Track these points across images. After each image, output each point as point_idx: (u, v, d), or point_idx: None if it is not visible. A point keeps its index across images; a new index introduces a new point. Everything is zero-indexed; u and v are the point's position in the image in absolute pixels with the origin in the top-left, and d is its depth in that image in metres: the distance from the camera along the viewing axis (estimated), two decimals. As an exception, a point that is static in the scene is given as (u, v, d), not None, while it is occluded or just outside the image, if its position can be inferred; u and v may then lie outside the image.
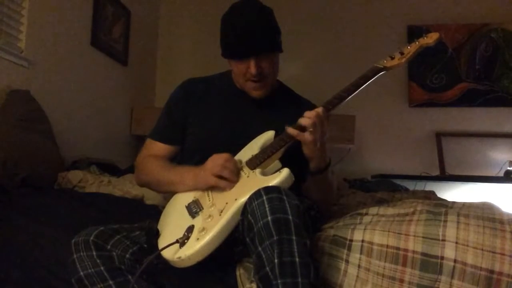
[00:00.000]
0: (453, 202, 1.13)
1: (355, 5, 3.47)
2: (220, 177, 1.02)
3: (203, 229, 0.93)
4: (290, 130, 1.05)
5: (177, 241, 0.93)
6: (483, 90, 3.21)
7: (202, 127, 1.23)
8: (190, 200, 1.06)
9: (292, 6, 3.43)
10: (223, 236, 0.92)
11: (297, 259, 0.79)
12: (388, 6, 3.41)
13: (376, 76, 1.13)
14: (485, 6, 3.26)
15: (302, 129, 1.04)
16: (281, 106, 1.27)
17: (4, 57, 1.98)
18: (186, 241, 0.93)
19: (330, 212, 1.28)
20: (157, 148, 1.27)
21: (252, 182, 0.99)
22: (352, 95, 1.10)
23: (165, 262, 0.96)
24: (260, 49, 1.14)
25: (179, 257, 0.91)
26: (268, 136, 1.14)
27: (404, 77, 3.34)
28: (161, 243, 0.99)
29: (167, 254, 0.94)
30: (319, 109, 1.05)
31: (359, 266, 0.94)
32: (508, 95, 3.17)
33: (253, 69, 1.14)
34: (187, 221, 0.99)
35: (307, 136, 1.03)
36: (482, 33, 3.25)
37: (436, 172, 3.11)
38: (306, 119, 1.03)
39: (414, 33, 3.21)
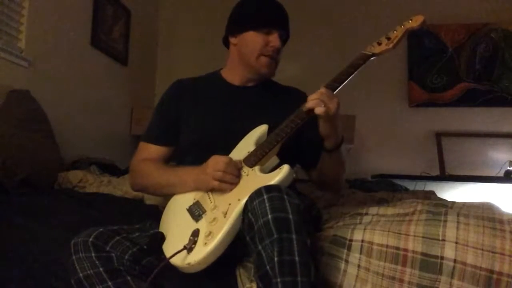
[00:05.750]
0: (453, 202, 1.13)
1: (354, 5, 3.47)
2: (222, 181, 1.01)
3: (210, 233, 0.92)
4: (310, 104, 1.03)
5: (184, 248, 0.92)
6: (483, 90, 3.20)
7: (196, 124, 1.22)
8: (191, 203, 1.04)
9: (292, 6, 3.42)
10: (230, 238, 0.92)
11: (297, 258, 0.78)
12: (388, 6, 3.41)
13: (365, 63, 1.13)
14: (485, 6, 3.25)
15: (310, 112, 1.04)
16: (272, 98, 1.27)
17: (4, 57, 1.98)
18: (193, 246, 0.92)
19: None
20: (151, 150, 1.25)
21: (253, 181, 0.98)
22: (343, 84, 1.09)
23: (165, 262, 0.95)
24: (286, 24, 1.23)
25: (189, 263, 0.90)
26: (261, 130, 1.12)
27: (404, 77, 3.34)
28: (166, 248, 0.98)
29: (176, 261, 0.93)
30: (322, 89, 1.06)
31: (358, 266, 0.94)
32: (508, 95, 3.17)
33: (277, 42, 1.19)
34: (191, 224, 0.98)
35: (328, 109, 1.02)
36: (482, 33, 3.24)
37: (436, 172, 3.10)
38: (313, 99, 1.03)
39: (414, 32, 3.20)
